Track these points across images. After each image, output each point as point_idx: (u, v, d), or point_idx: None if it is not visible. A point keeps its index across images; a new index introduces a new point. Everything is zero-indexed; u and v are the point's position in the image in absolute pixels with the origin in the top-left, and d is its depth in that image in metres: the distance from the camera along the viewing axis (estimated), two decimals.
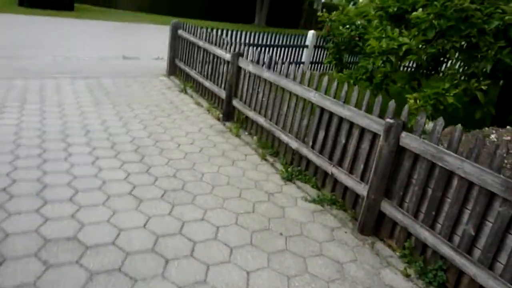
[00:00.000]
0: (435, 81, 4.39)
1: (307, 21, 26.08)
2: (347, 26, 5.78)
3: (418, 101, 3.61)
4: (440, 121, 2.69)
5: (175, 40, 7.32)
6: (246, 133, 5.09)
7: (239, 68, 5.18)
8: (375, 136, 3.22)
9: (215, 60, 5.92)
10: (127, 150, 4.15)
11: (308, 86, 3.97)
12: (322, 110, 3.77)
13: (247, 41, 8.38)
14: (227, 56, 5.42)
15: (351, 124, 3.45)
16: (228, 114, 5.41)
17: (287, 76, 4.28)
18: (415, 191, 2.87)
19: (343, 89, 3.57)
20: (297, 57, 9.60)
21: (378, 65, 4.13)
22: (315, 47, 9.82)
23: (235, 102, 5.25)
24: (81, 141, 4.20)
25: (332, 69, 10.42)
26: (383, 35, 4.13)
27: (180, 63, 7.19)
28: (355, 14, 5.07)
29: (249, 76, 4.99)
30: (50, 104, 5.18)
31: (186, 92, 6.64)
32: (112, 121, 4.92)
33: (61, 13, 14.74)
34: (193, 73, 6.63)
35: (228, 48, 5.53)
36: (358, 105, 3.37)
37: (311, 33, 9.65)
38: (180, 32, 7.14)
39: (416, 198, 2.87)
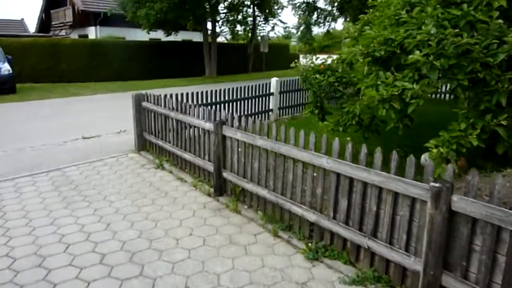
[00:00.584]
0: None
1: (254, 65, 26.54)
2: (324, 73, 5.58)
3: (439, 148, 3.32)
4: (499, 179, 2.35)
5: (140, 112, 6.79)
6: (246, 207, 4.57)
7: (224, 137, 4.73)
8: (414, 200, 2.83)
9: (194, 130, 5.44)
10: (120, 262, 3.48)
11: (315, 150, 3.57)
12: (339, 175, 3.36)
13: (209, 100, 7.94)
14: (207, 126, 4.97)
15: (380, 189, 3.06)
16: (220, 188, 4.88)
17: (285, 141, 3.88)
18: (483, 260, 2.47)
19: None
20: (264, 105, 9.35)
21: (381, 113, 3.85)
22: (280, 93, 9.65)
23: (226, 174, 4.75)
24: (61, 262, 3.48)
25: (301, 111, 10.30)
26: (378, 82, 3.88)
27: (150, 136, 6.63)
28: (337, 61, 4.86)
29: (238, 145, 4.55)
30: (12, 217, 4.40)
31: (163, 168, 6.05)
32: (92, 224, 4.22)
33: (2, 98, 13.76)
34: (168, 146, 6.09)
35: (204, 116, 5.09)
36: (385, 167, 2.99)
37: (274, 80, 9.49)
38: (144, 104, 6.64)
39: (485, 267, 2.47)
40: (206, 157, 5.19)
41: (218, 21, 21.86)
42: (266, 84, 9.47)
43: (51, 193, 5.12)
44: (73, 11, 24.54)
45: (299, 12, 10.51)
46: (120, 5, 19.24)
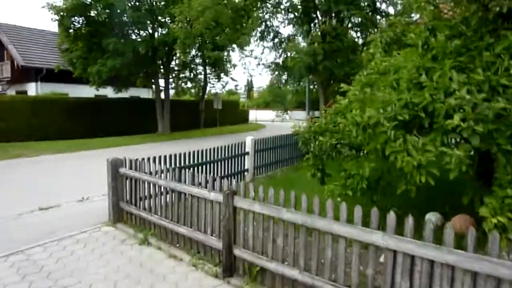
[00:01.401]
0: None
1: (206, 121, 26.34)
2: (324, 135, 5.39)
3: (496, 217, 3.12)
4: None
5: (117, 180, 6.03)
6: None
7: (235, 209, 4.21)
8: (500, 282, 2.53)
9: (191, 200, 4.85)
10: None
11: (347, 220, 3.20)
12: (395, 253, 3.00)
13: (186, 162, 7.33)
14: (212, 196, 4.43)
15: (453, 268, 2.72)
16: (231, 267, 4.26)
17: (320, 213, 3.48)
18: None
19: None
20: (240, 166, 8.93)
21: (417, 180, 3.62)
22: (256, 152, 9.34)
23: (239, 252, 4.17)
24: None
25: (274, 169, 10.01)
26: (408, 146, 3.71)
27: (130, 207, 5.86)
28: (350, 124, 4.67)
29: (254, 218, 4.05)
30: None
31: (149, 244, 5.27)
32: None
33: None
34: (154, 218, 5.37)
35: (208, 185, 4.56)
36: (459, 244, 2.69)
37: (249, 139, 9.20)
38: (123, 170, 5.93)
39: None
40: (209, 230, 4.59)
41: (170, 78, 21.63)
42: (239, 143, 9.11)
43: (17, 286, 4.14)
44: (12, 66, 22.97)
45: (270, 72, 10.68)
46: (69, 61, 18.35)
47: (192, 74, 22.27)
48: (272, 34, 10.22)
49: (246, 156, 9.11)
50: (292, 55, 8.38)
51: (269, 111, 42.61)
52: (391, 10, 8.97)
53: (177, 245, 5.08)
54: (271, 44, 10.60)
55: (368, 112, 4.12)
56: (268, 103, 40.92)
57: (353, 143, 5.36)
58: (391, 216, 3.04)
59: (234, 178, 8.67)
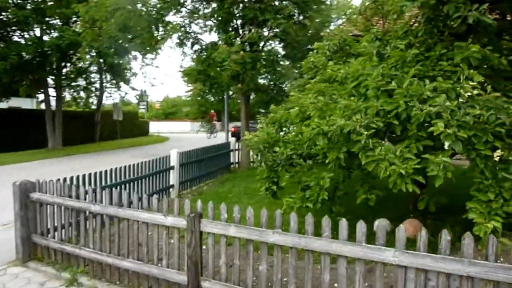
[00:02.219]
0: None
1: (103, 134, 24.12)
2: (279, 146, 5.06)
3: (491, 222, 3.12)
4: None
5: (27, 208, 4.83)
6: None
7: (201, 234, 3.59)
8: None
9: (138, 227, 4.04)
10: None
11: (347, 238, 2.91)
12: (406, 269, 2.77)
13: (102, 182, 6.26)
14: (169, 221, 3.73)
15: (472, 279, 2.59)
16: None
17: (314, 233, 3.10)
18: None
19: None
20: (164, 182, 8.09)
21: (403, 189, 3.50)
22: (181, 165, 8.60)
23: (209, 284, 3.54)
24: None
25: (199, 183, 9.36)
26: (389, 155, 3.58)
27: (49, 240, 4.72)
28: (314, 134, 4.35)
29: (229, 243, 3.49)
30: None
31: (81, 285, 4.27)
32: None
33: None
34: (86, 252, 4.38)
35: (162, 208, 3.83)
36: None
37: (174, 152, 8.43)
38: (36, 196, 4.77)
39: None
40: (164, 262, 3.85)
41: (62, 87, 19.20)
42: (164, 157, 8.28)
43: None
44: None
45: (189, 81, 9.95)
46: None
47: (86, 82, 20.13)
48: (191, 41, 9.64)
49: (171, 171, 8.32)
50: (219, 62, 7.94)
51: (174, 122, 41.15)
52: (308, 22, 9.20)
53: (120, 283, 4.20)
54: (191, 51, 10.01)
55: (339, 121, 3.92)
56: (168, 115, 39.52)
57: (309, 153, 5.15)
58: (401, 231, 2.81)
59: (160, 195, 7.81)
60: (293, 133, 5.13)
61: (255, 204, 7.06)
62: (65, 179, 5.14)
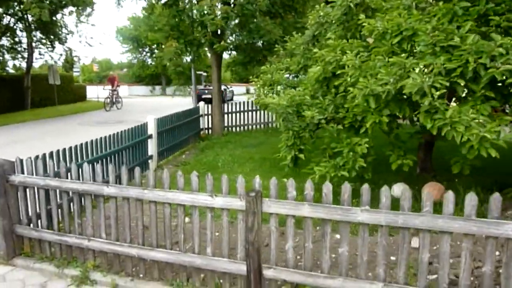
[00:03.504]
0: None
1: (34, 100, 21.44)
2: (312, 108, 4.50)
3: None
4: None
5: (7, 194, 3.83)
6: None
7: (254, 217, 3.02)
8: None
9: (169, 212, 3.35)
10: None
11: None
12: None
13: (80, 158, 5.20)
14: (218, 202, 3.10)
15: None
16: None
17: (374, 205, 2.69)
18: None
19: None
20: (142, 153, 7.18)
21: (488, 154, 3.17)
22: (158, 134, 7.69)
23: (273, 272, 3.03)
24: None
25: (177, 152, 8.53)
26: (463, 118, 3.22)
27: (42, 232, 3.81)
28: (369, 93, 3.80)
29: (301, 225, 2.97)
30: None
31: (95, 282, 3.52)
32: None
33: None
34: (97, 243, 3.58)
35: (208, 187, 3.16)
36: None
37: (152, 119, 7.46)
38: (20, 178, 3.79)
39: None
40: (209, 250, 3.24)
41: None
42: (140, 126, 7.26)
43: None
44: None
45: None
46: None
47: (14, 41, 17.40)
48: None
49: (149, 140, 7.40)
50: (199, 16, 6.96)
51: (122, 86, 37.92)
52: None
53: (143, 275, 3.52)
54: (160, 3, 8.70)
55: (409, 80, 3.46)
56: (102, 78, 36.51)
57: (333, 117, 4.70)
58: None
59: (141, 170, 6.92)
60: (306, 95, 4.58)
61: (251, 173, 6.55)
62: (44, 156, 4.18)
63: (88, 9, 19.55)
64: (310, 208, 2.87)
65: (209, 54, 10.62)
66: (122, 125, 14.20)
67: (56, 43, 18.98)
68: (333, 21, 5.44)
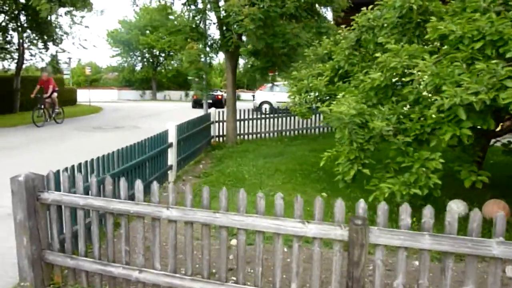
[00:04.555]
0: None
1: (23, 103, 20.40)
2: (369, 117, 4.01)
3: None
4: None
5: (37, 215, 3.22)
6: None
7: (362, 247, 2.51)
8: None
9: (244, 239, 2.81)
10: None
11: None
12: None
13: (104, 171, 4.49)
14: (313, 230, 2.57)
15: None
16: None
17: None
18: None
19: None
20: (162, 163, 6.56)
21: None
22: (178, 142, 7.11)
23: None
24: None
25: (192, 159, 7.93)
26: None
27: (80, 260, 3.20)
28: (459, 102, 3.32)
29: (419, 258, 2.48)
30: None
31: None
32: None
33: None
34: (152, 275, 3.00)
35: (296, 212, 2.64)
36: None
37: (172, 126, 6.85)
38: (54, 196, 3.18)
39: None
40: (294, 286, 2.70)
41: None
42: (161, 134, 6.61)
43: None
44: None
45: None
46: None
47: (5, 41, 16.48)
48: None
49: (169, 149, 6.81)
50: (226, 17, 6.43)
51: (100, 90, 36.96)
52: None
53: None
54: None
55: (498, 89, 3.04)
56: (91, 82, 35.46)
57: (397, 129, 4.24)
58: None
59: (160, 183, 6.32)
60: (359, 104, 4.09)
61: (284, 186, 6.06)
62: (72, 169, 3.60)
63: (83, 11, 18.79)
64: (432, 239, 2.38)
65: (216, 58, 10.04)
66: (119, 131, 13.51)
67: (50, 44, 18.06)
68: (385, 25, 5.01)
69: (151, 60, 40.73)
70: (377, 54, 4.33)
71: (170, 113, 22.20)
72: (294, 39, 7.30)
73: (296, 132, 11.21)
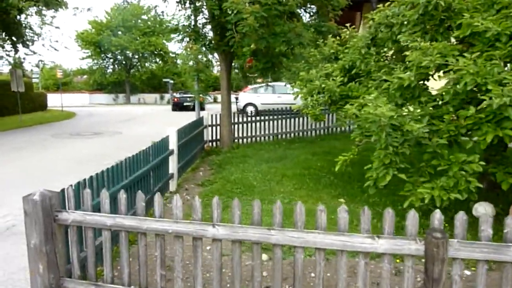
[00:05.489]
0: None
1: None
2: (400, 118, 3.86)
3: None
4: None
5: (55, 238, 2.87)
6: None
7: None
8: None
9: (301, 257, 2.58)
10: None
11: None
12: None
13: (111, 184, 4.06)
14: (384, 246, 2.37)
15: None
16: None
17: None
18: None
19: None
20: (163, 172, 6.18)
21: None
22: (179, 147, 6.79)
23: None
24: None
25: (190, 164, 7.59)
26: None
27: None
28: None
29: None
30: None
31: None
32: None
33: None
34: None
35: (362, 226, 2.43)
36: None
37: (173, 132, 6.51)
38: (75, 216, 2.85)
39: None
40: None
41: None
42: (161, 141, 6.17)
43: None
44: None
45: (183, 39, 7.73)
46: None
47: None
48: None
49: (170, 157, 6.47)
50: (231, 15, 6.14)
51: (70, 94, 35.65)
52: None
53: None
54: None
55: None
56: (60, 85, 34.15)
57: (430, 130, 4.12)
58: None
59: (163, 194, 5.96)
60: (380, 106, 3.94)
61: (296, 192, 5.86)
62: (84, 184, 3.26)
63: (52, 10, 17.96)
64: None
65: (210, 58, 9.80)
66: (100, 137, 12.96)
67: (20, 46, 17.15)
68: (405, 22, 4.91)
69: (123, 62, 39.69)
70: (407, 53, 4.21)
71: (149, 116, 21.64)
72: (296, 38, 7.13)
73: (292, 135, 11.05)
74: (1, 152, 10.03)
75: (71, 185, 3.10)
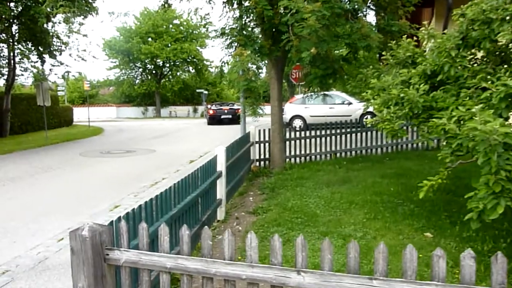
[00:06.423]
0: None
1: (14, 125, 20.42)
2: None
3: None
4: None
5: (105, 282, 2.77)
6: None
7: None
8: None
9: None
10: None
11: None
12: None
13: (164, 212, 4.04)
14: None
15: None
16: None
17: None
18: None
19: None
20: (211, 197, 6.03)
21: None
22: (227, 168, 6.68)
23: None
24: None
25: (237, 187, 7.46)
26: None
27: None
28: None
29: None
30: None
31: None
32: None
33: None
34: None
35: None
36: None
37: (222, 151, 6.42)
38: (132, 256, 2.74)
39: None
40: None
41: None
42: (208, 163, 6.08)
43: None
44: None
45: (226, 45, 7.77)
46: None
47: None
48: None
49: (217, 180, 6.37)
50: (290, 16, 6.03)
51: (97, 107, 37.04)
52: None
53: None
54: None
55: None
56: (86, 99, 35.67)
57: None
58: None
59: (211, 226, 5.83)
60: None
61: (369, 224, 5.52)
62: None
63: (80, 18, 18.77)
64: None
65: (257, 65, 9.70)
66: (133, 156, 13.21)
67: (46, 57, 18.04)
68: (508, 17, 4.58)
69: (154, 72, 40.89)
70: None
71: (183, 132, 21.96)
72: (362, 41, 6.90)
73: (353, 152, 10.70)
74: (28, 173, 10.40)
75: (121, 217, 3.03)
